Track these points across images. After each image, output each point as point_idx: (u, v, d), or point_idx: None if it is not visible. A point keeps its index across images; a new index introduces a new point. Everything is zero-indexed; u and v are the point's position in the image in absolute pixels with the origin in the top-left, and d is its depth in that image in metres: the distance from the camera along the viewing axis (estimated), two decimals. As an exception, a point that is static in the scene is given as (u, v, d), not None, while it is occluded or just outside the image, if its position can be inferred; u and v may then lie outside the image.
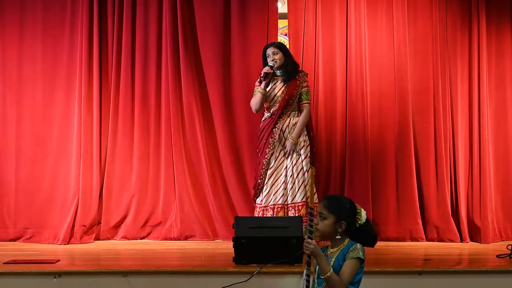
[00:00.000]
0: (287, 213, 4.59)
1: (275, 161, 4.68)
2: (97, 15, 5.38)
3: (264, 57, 4.78)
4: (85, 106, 5.31)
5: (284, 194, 4.63)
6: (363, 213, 2.81)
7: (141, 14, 5.45)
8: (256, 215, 4.67)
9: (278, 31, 5.62)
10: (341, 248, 2.74)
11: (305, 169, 4.63)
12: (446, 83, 5.45)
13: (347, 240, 2.77)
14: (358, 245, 2.73)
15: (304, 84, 4.76)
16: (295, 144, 4.65)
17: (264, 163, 4.70)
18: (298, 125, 4.69)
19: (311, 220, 2.73)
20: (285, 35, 5.99)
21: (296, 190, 4.61)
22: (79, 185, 5.25)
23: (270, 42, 5.01)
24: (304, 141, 4.71)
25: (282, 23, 5.84)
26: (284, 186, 4.64)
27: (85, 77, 5.31)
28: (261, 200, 4.68)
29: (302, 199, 4.58)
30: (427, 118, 5.42)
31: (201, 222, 5.33)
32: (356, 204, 2.83)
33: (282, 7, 5.71)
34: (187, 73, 5.40)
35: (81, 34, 5.35)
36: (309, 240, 2.65)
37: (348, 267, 2.67)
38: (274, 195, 4.64)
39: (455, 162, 5.42)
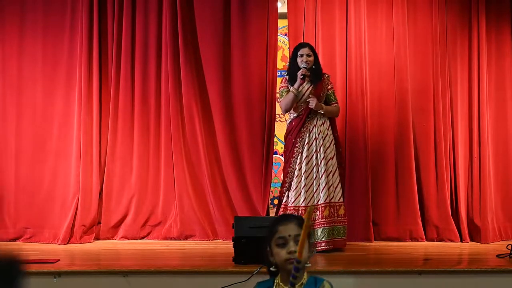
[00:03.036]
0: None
1: (302, 162, 4.65)
2: (97, 15, 5.38)
3: (294, 56, 4.75)
4: (85, 106, 5.30)
5: (309, 196, 4.61)
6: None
7: (141, 14, 5.45)
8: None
9: (278, 31, 5.62)
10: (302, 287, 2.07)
11: (330, 169, 4.62)
12: (446, 83, 5.45)
13: (305, 274, 2.09)
14: (326, 283, 2.11)
15: (329, 87, 4.78)
16: (320, 109, 4.64)
17: (292, 162, 4.67)
18: (330, 107, 4.72)
19: (294, 276, 1.96)
20: (285, 35, 6.00)
21: (321, 191, 4.59)
22: (79, 185, 5.25)
23: (304, 42, 4.99)
24: (331, 141, 4.68)
25: (282, 23, 5.85)
26: (310, 187, 4.62)
27: (85, 77, 5.31)
28: (286, 201, 4.66)
29: (325, 200, 4.57)
30: (427, 118, 5.42)
31: (201, 222, 5.33)
32: None
33: (282, 7, 5.71)
34: (187, 73, 5.40)
35: (81, 34, 5.35)
36: None
37: None
38: (299, 196, 4.61)
39: (455, 162, 5.42)
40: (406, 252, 4.77)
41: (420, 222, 5.32)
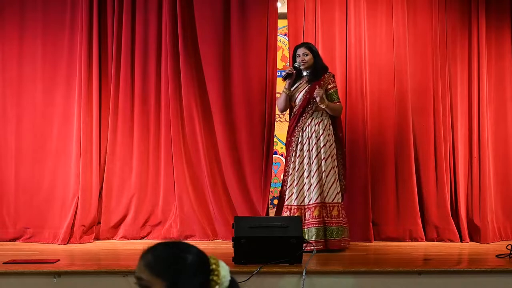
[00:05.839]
0: (305, 214, 4.58)
1: (296, 161, 4.66)
2: (97, 15, 5.37)
3: (294, 56, 4.79)
4: (85, 106, 5.30)
5: (301, 196, 4.61)
6: (224, 272, 1.57)
7: (141, 14, 5.45)
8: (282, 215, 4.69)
9: (278, 31, 5.62)
10: None
11: (325, 169, 4.61)
12: (446, 83, 5.45)
13: None
14: None
15: (331, 86, 4.75)
16: (322, 103, 4.57)
17: (289, 160, 4.71)
18: (332, 104, 4.67)
19: None
20: (285, 35, 6.00)
21: (312, 190, 4.59)
22: (78, 185, 5.24)
23: (302, 42, 5.02)
24: (328, 141, 4.67)
25: (282, 23, 5.85)
26: (302, 187, 4.62)
27: (85, 77, 5.31)
28: (286, 199, 4.68)
29: (316, 200, 4.57)
30: (426, 118, 5.42)
31: (200, 222, 5.33)
32: (212, 257, 1.59)
33: (282, 7, 5.71)
34: (186, 73, 5.40)
35: (81, 34, 5.35)
36: None
37: None
38: (292, 195, 4.63)
39: (455, 162, 5.42)
40: (406, 252, 4.77)
41: (420, 222, 5.32)
